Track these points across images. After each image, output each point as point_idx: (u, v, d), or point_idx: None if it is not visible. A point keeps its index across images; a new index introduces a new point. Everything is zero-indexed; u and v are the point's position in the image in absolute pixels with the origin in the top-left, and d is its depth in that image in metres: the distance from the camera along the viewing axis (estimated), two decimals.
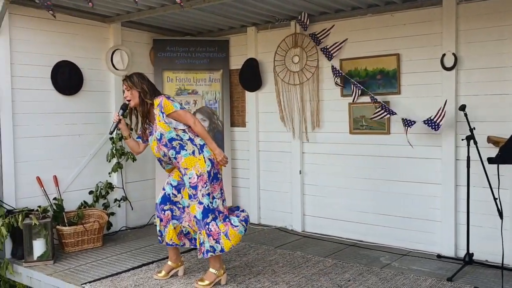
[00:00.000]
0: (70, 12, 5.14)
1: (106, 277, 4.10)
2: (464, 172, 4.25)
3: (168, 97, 3.78)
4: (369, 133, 5.03)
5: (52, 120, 5.07)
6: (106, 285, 3.91)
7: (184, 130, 3.77)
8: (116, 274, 4.17)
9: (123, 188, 5.68)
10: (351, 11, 5.08)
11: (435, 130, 4.47)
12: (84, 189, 5.36)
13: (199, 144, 3.79)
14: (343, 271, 4.18)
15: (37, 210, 4.70)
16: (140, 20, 5.60)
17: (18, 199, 4.75)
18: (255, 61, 5.85)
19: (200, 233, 3.75)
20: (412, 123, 4.57)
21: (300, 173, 5.53)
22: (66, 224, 4.89)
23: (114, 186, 5.59)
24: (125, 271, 4.24)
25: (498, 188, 3.77)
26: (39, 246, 4.50)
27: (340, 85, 5.14)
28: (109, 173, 5.58)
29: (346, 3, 4.89)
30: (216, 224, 3.72)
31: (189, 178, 3.71)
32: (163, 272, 4.06)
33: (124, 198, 5.69)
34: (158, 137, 3.76)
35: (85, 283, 3.95)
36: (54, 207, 4.94)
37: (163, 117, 3.70)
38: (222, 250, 3.72)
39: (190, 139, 3.77)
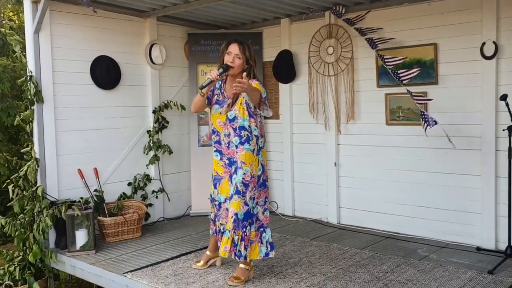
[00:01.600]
0: (108, 8, 5.24)
1: (146, 266, 4.20)
2: (505, 163, 4.16)
3: (260, 83, 3.67)
4: (406, 124, 4.97)
5: (91, 114, 5.20)
6: (146, 274, 4.01)
7: (256, 125, 3.67)
8: (156, 263, 4.27)
9: (160, 180, 5.80)
10: (387, 0, 5.00)
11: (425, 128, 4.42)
12: (123, 181, 5.49)
13: (260, 146, 3.72)
14: (380, 263, 4.16)
15: (79, 201, 4.84)
16: (175, 14, 5.67)
17: (61, 191, 4.91)
18: (288, 52, 5.84)
19: (235, 233, 3.67)
20: (434, 122, 4.38)
21: (335, 165, 5.51)
22: (107, 215, 5.03)
23: (152, 178, 5.71)
24: (164, 261, 4.33)
25: None
26: (81, 236, 4.64)
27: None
28: (146, 165, 5.70)
29: None
30: (250, 229, 3.70)
31: (244, 173, 3.63)
32: (202, 262, 4.13)
33: (161, 190, 5.81)
34: (231, 117, 3.65)
35: (126, 272, 4.06)
36: (95, 198, 5.08)
37: (246, 102, 3.58)
38: (245, 258, 3.68)
39: (257, 137, 3.69)
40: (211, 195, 3.96)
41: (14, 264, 4.64)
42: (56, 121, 4.89)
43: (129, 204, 5.34)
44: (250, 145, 3.64)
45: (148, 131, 5.69)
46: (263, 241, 3.76)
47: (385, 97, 5.07)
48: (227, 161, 3.76)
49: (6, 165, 5.16)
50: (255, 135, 3.67)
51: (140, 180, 5.60)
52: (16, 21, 9.74)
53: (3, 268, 4.63)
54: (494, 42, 4.34)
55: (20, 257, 4.71)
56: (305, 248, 4.64)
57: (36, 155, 4.77)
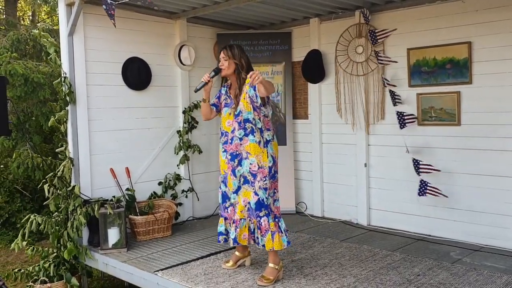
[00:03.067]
0: (139, 10, 5.33)
1: (177, 265, 4.24)
2: None
3: None
4: (438, 125, 4.87)
5: (123, 114, 5.29)
6: (177, 273, 4.06)
7: (260, 118, 3.80)
8: (186, 262, 4.31)
9: (189, 179, 5.86)
10: None
11: (400, 127, 4.91)
12: (154, 180, 5.57)
13: (266, 139, 3.82)
14: (412, 265, 4.10)
15: (111, 200, 4.94)
16: (205, 15, 5.72)
17: (94, 190, 5.01)
18: (318, 52, 5.81)
19: (251, 221, 3.82)
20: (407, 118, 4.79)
21: (366, 166, 5.45)
22: (138, 214, 5.11)
23: (182, 177, 5.77)
24: (194, 260, 4.37)
25: None
26: (113, 235, 4.72)
27: (389, 84, 5.11)
28: (177, 165, 5.76)
29: None
30: (268, 221, 3.75)
31: (250, 163, 3.76)
32: (231, 262, 4.15)
33: (191, 189, 5.87)
34: (236, 113, 3.83)
35: (157, 271, 4.11)
36: (127, 197, 5.17)
37: (252, 95, 3.70)
38: (263, 246, 3.76)
39: (261, 130, 3.81)
40: (222, 194, 4.01)
41: (49, 261, 4.76)
42: (89, 121, 5.00)
43: (160, 203, 5.41)
44: (254, 136, 3.77)
45: (178, 131, 5.76)
46: (282, 230, 3.81)
47: (417, 97, 4.98)
48: (229, 157, 3.88)
49: (41, 165, 5.30)
50: (259, 128, 3.79)
51: (170, 180, 5.67)
52: (50, 23, 10.01)
53: (38, 265, 4.76)
54: None
55: (55, 254, 4.82)
56: (334, 249, 4.61)
57: (70, 155, 4.88)
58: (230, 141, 3.87)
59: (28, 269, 4.76)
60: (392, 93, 5.06)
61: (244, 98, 3.80)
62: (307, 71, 5.92)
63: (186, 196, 5.83)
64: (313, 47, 5.86)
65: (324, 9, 5.50)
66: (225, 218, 4.00)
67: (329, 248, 4.66)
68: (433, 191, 4.78)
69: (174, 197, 5.69)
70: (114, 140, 5.21)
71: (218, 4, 5.09)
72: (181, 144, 5.73)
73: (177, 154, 5.75)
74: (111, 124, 5.19)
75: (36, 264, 4.79)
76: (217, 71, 3.94)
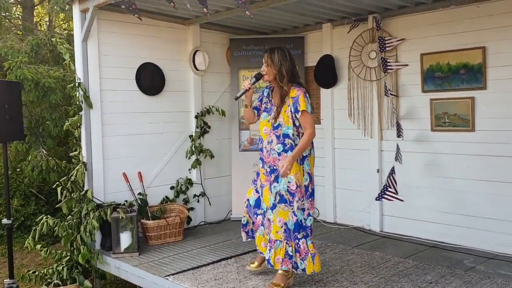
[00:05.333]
0: (152, 16, 5.38)
1: (188, 270, 4.25)
2: None
3: (305, 93, 3.60)
4: (452, 131, 4.82)
5: (136, 119, 5.34)
6: (187, 277, 4.07)
7: (298, 134, 3.63)
8: (197, 267, 4.32)
9: (201, 184, 5.88)
10: (433, 3, 4.88)
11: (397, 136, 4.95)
12: (166, 185, 5.60)
13: (303, 155, 3.64)
14: (424, 273, 4.05)
15: (123, 204, 4.98)
16: (217, 21, 5.74)
17: (106, 194, 5.05)
18: (330, 57, 5.80)
19: (288, 244, 3.63)
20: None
21: (378, 171, 5.41)
22: (150, 218, 5.13)
23: (194, 182, 5.79)
24: (205, 265, 4.38)
25: None
26: (125, 239, 4.75)
27: (392, 94, 5.15)
28: (189, 170, 5.79)
29: None
30: (307, 243, 3.65)
31: (289, 182, 3.57)
32: (256, 263, 4.07)
33: (203, 194, 5.89)
34: (275, 125, 3.64)
35: (168, 275, 4.12)
36: (139, 201, 5.20)
37: (291, 110, 3.57)
38: (303, 270, 3.64)
39: (293, 146, 3.62)
40: (248, 200, 3.96)
41: (62, 264, 4.81)
42: (103, 126, 5.05)
43: (172, 207, 5.44)
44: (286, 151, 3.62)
45: (191, 136, 5.79)
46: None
47: (430, 102, 4.94)
48: (268, 169, 3.75)
49: (55, 167, 5.37)
50: (296, 145, 3.59)
51: (182, 184, 5.70)
52: (67, 29, 10.15)
53: (52, 268, 4.81)
54: None
55: (68, 257, 4.87)
56: (346, 256, 4.57)
57: (84, 159, 4.93)
58: (268, 152, 3.69)
59: (42, 271, 4.81)
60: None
61: (285, 111, 3.60)
62: (320, 76, 5.91)
63: (198, 201, 5.86)
64: (326, 52, 5.85)
65: (336, 14, 5.49)
66: (252, 222, 3.93)
67: (340, 254, 4.63)
68: (389, 195, 4.79)
69: (186, 201, 5.72)
70: (127, 145, 5.26)
71: (230, 10, 5.12)
72: (193, 148, 5.76)
73: (189, 158, 5.78)
74: (124, 129, 5.24)
75: (50, 267, 4.84)
76: (259, 77, 3.72)
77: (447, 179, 4.88)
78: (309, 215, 3.66)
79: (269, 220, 3.72)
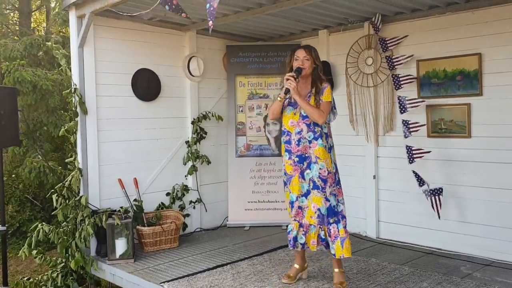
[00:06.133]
0: (148, 22, 5.37)
1: (183, 277, 4.22)
2: None
3: (331, 87, 3.91)
4: (448, 137, 4.82)
5: (132, 125, 5.32)
6: (183, 284, 4.04)
7: (325, 123, 3.82)
8: (192, 274, 4.29)
9: (197, 190, 5.85)
10: (428, 10, 4.90)
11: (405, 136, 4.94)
12: (162, 191, 5.58)
13: (330, 145, 3.84)
14: (420, 279, 4.03)
15: (119, 210, 4.95)
16: (214, 27, 5.71)
17: (102, 200, 5.02)
18: (327, 64, 5.80)
19: (321, 228, 3.79)
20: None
21: (374, 177, 5.40)
22: (146, 225, 5.11)
23: (190, 188, 5.77)
24: (200, 272, 4.35)
25: None
26: (121, 245, 4.72)
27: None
28: (185, 176, 5.77)
29: (423, 2, 4.73)
30: (337, 228, 3.75)
31: (320, 168, 3.73)
32: (292, 276, 4.01)
33: (199, 200, 5.86)
34: (305, 114, 3.77)
35: (164, 282, 4.09)
36: (135, 208, 5.18)
37: (319, 99, 3.76)
38: (334, 255, 3.76)
39: (326, 135, 3.83)
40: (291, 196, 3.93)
41: (57, 271, 4.78)
42: (99, 132, 5.03)
43: (167, 214, 5.41)
44: (322, 141, 3.76)
45: (187, 142, 5.78)
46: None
47: (427, 108, 4.94)
48: (296, 159, 3.80)
49: (51, 173, 5.35)
50: (325, 133, 3.80)
51: (178, 190, 5.67)
52: (65, 34, 10.15)
53: (47, 274, 4.78)
54: None
55: (63, 264, 4.85)
56: (342, 262, 4.54)
57: (79, 165, 4.91)
58: (296, 142, 3.79)
59: (36, 278, 4.78)
60: (401, 101, 5.05)
61: (314, 101, 3.77)
62: None
63: (194, 207, 5.83)
64: (322, 59, 5.78)
65: (332, 20, 5.50)
66: (301, 225, 3.88)
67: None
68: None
69: (182, 208, 5.69)
70: (122, 151, 5.24)
71: (227, 16, 5.12)
72: (190, 154, 5.74)
73: (185, 164, 5.77)
74: (120, 135, 5.22)
75: (45, 274, 4.81)
76: (299, 71, 3.77)
77: (444, 185, 4.87)
78: (339, 201, 3.81)
79: (300, 207, 3.84)
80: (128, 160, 5.28)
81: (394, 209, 5.31)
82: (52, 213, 4.96)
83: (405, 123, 4.99)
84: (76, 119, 4.90)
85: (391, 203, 5.33)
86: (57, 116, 7.15)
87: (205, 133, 5.88)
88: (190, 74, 5.75)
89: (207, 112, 5.89)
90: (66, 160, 5.17)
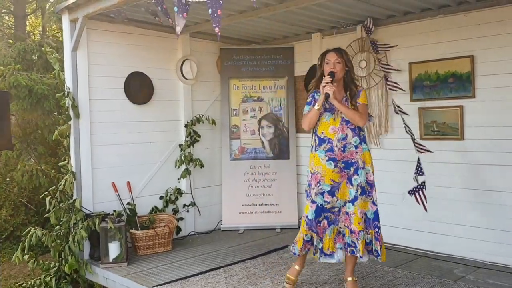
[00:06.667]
0: (141, 25, 5.38)
1: (176, 280, 4.22)
2: None
3: (365, 91, 3.84)
4: (441, 139, 4.82)
5: (125, 128, 5.31)
6: None
7: (365, 127, 3.81)
8: (185, 278, 4.28)
9: (191, 193, 5.84)
10: (421, 13, 4.91)
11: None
12: (155, 195, 5.57)
13: (369, 148, 3.76)
14: (413, 282, 4.03)
15: (112, 214, 4.94)
16: (207, 30, 5.75)
17: (95, 204, 5.02)
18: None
19: (367, 232, 3.69)
20: None
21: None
22: (139, 228, 5.10)
23: (183, 192, 5.76)
24: (193, 275, 4.34)
25: None
26: (114, 249, 4.71)
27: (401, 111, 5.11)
28: (178, 179, 5.76)
29: (415, 5, 4.74)
30: (380, 231, 3.74)
31: (367, 173, 3.68)
32: (294, 279, 3.89)
33: (192, 204, 5.85)
34: (346, 118, 3.64)
35: (156, 286, 4.09)
36: (128, 211, 5.17)
37: (357, 102, 3.67)
38: (378, 257, 3.70)
39: (365, 138, 3.76)
40: (307, 216, 3.72)
41: (50, 275, 4.77)
42: (92, 135, 5.02)
43: (161, 217, 5.40)
44: (367, 144, 3.71)
45: (180, 145, 5.77)
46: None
47: (419, 111, 4.94)
48: (342, 165, 3.66)
49: (44, 177, 5.34)
50: (363, 135, 3.73)
51: (171, 194, 5.66)
52: (60, 38, 10.15)
53: (40, 278, 4.76)
54: None
55: (56, 267, 4.83)
56: (335, 265, 4.53)
57: (73, 169, 4.90)
58: (341, 148, 3.62)
59: (29, 282, 4.76)
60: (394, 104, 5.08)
61: (353, 105, 3.67)
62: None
63: (188, 211, 5.82)
64: (315, 62, 5.81)
65: (326, 24, 5.51)
66: (317, 233, 3.69)
67: (329, 264, 4.59)
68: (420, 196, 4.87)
69: (175, 211, 5.68)
70: (116, 154, 5.23)
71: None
72: (183, 158, 5.73)
73: (179, 168, 5.75)
74: (113, 138, 5.21)
75: (38, 278, 4.79)
76: (333, 75, 3.63)
77: (437, 187, 4.87)
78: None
79: (347, 213, 3.69)
80: (121, 164, 5.27)
81: (387, 212, 5.28)
82: (45, 216, 4.94)
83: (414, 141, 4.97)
84: (69, 122, 4.89)
85: (384, 205, 5.29)
86: (54, 120, 7.14)
87: (199, 136, 5.87)
88: (183, 77, 5.75)
89: (201, 115, 5.89)
90: (60, 164, 5.15)
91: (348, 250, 3.70)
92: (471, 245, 4.64)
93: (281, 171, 6.13)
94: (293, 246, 3.81)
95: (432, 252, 4.88)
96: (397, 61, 5.13)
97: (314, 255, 3.78)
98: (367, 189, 3.68)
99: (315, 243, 3.72)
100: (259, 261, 4.73)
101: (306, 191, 3.81)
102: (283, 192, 6.11)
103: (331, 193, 3.66)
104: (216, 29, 3.38)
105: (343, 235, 3.73)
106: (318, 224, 3.70)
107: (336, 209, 3.72)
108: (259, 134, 6.19)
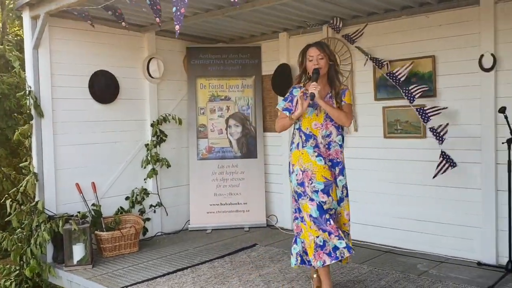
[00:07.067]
0: (107, 23, 5.28)
1: (142, 281, 4.17)
2: (505, 177, 4.10)
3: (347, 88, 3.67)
4: (404, 137, 4.93)
5: (90, 128, 5.21)
6: None
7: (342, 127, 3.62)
8: (152, 279, 4.24)
9: (158, 194, 5.78)
10: (384, 13, 5.00)
11: (424, 122, 4.59)
12: (121, 195, 5.48)
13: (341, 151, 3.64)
14: (378, 278, 4.10)
15: (76, 215, 4.84)
16: (174, 28, 5.67)
17: (59, 205, 4.90)
18: (287, 66, 5.84)
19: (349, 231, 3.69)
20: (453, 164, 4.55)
21: None
22: (104, 230, 5.01)
23: (149, 192, 5.69)
24: (160, 276, 4.30)
25: None
26: (78, 251, 4.63)
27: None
28: (144, 179, 5.68)
29: (379, 6, 4.83)
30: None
31: (344, 176, 3.61)
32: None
33: (159, 204, 5.79)
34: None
35: (123, 287, 4.04)
36: (93, 212, 5.07)
37: (340, 100, 3.53)
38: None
39: (343, 137, 3.65)
40: (310, 215, 3.43)
41: (11, 279, 4.63)
42: (55, 135, 4.91)
43: (127, 218, 5.32)
44: (344, 144, 3.65)
45: (146, 145, 5.70)
46: None
47: (383, 110, 5.04)
48: (329, 164, 3.51)
49: (5, 179, 5.18)
50: (343, 136, 3.64)
51: (137, 194, 5.58)
52: (18, 35, 9.85)
53: None
54: (492, 54, 4.31)
55: (17, 271, 4.69)
56: None
57: (35, 170, 4.77)
58: (326, 146, 3.50)
59: None
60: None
61: (337, 102, 3.53)
62: (277, 85, 5.94)
63: (154, 211, 5.75)
64: (282, 61, 5.89)
65: (292, 23, 5.54)
66: (329, 233, 3.37)
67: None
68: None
69: (142, 212, 5.61)
70: (80, 155, 5.12)
71: (186, 17, 5.08)
72: (149, 158, 5.66)
73: (145, 168, 5.68)
74: (77, 138, 5.11)
75: None
76: (317, 72, 3.45)
77: (401, 184, 4.98)
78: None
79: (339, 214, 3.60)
80: (85, 164, 5.17)
81: (353, 209, 5.34)
82: (6, 219, 4.80)
83: (421, 110, 4.66)
84: (30, 122, 4.76)
85: (350, 203, 5.36)
86: (15, 121, 6.93)
87: (165, 135, 5.81)
88: (150, 75, 5.68)
89: (167, 115, 5.83)
90: (21, 165, 5.01)
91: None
92: (433, 240, 4.76)
93: (249, 170, 6.14)
94: (299, 257, 3.56)
95: (397, 248, 4.98)
96: (362, 61, 5.21)
97: (341, 259, 3.42)
98: (347, 191, 3.67)
99: (336, 244, 3.35)
100: (226, 260, 4.72)
101: (296, 192, 3.53)
102: (251, 191, 6.12)
103: (326, 192, 3.43)
104: (177, 27, 3.39)
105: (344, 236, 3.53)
106: (328, 222, 3.38)
107: (333, 211, 3.48)
108: (226, 133, 6.18)
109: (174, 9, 3.30)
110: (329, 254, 3.36)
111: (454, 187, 4.62)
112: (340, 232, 3.40)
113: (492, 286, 3.79)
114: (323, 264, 3.39)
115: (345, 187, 3.62)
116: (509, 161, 3.97)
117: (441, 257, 4.63)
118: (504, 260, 4.18)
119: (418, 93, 4.68)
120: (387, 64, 4.95)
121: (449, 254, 4.65)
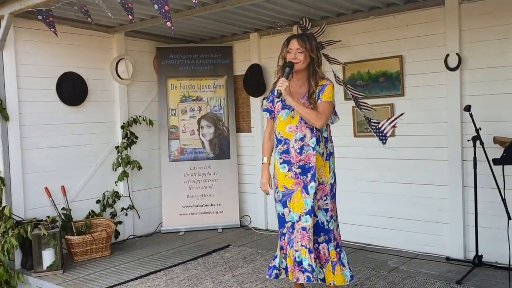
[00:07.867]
0: (74, 24, 5.19)
1: (114, 285, 4.13)
2: (471, 173, 4.21)
3: (333, 86, 3.26)
4: (373, 136, 4.98)
5: (58, 131, 5.12)
6: None
7: (327, 126, 3.28)
8: (124, 282, 4.20)
9: (129, 196, 5.72)
10: (353, 14, 5.07)
11: (383, 143, 4.57)
12: (92, 199, 5.40)
13: (329, 151, 3.28)
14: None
15: (45, 220, 4.74)
16: (143, 29, 5.64)
17: (27, 210, 4.80)
18: (258, 66, 5.86)
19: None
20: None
21: None
22: (75, 234, 4.93)
23: (121, 195, 5.63)
24: (133, 279, 4.26)
25: (504, 189, 3.72)
26: (48, 256, 4.54)
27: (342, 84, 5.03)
28: (115, 182, 5.61)
29: (347, 7, 4.89)
30: (328, 248, 3.27)
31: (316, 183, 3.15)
32: None
33: (131, 207, 5.73)
34: None
35: None
36: (63, 217, 4.98)
37: (318, 97, 3.18)
38: (322, 280, 3.25)
39: (326, 139, 3.25)
40: (279, 216, 3.29)
41: None
42: (22, 139, 4.80)
43: (98, 222, 5.25)
44: (319, 147, 3.19)
45: (117, 147, 5.63)
46: (343, 262, 3.27)
47: (352, 109, 5.11)
48: (298, 170, 3.16)
49: None
50: (324, 137, 3.23)
51: (108, 197, 5.51)
52: None
53: None
54: (457, 54, 4.42)
55: None
56: None
57: (1, 174, 4.65)
58: (298, 150, 3.14)
59: None
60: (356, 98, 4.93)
61: (312, 102, 3.18)
62: (248, 85, 5.95)
63: (126, 214, 5.69)
64: (254, 62, 5.91)
65: (262, 24, 5.56)
66: (281, 248, 3.27)
67: (270, 261, 4.64)
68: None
69: (113, 215, 5.53)
70: (48, 158, 5.02)
71: (155, 18, 5.05)
72: (120, 160, 5.59)
73: (116, 170, 5.61)
74: (46, 141, 5.01)
75: None
76: (291, 66, 3.17)
77: (370, 182, 5.06)
78: (331, 217, 3.24)
79: (302, 229, 3.13)
80: (54, 167, 5.07)
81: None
82: None
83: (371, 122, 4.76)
84: None
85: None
86: None
87: (136, 137, 5.75)
88: (119, 77, 5.61)
89: (138, 116, 5.77)
90: None
91: (304, 275, 3.10)
92: (404, 237, 4.86)
93: (222, 171, 6.13)
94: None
95: (369, 245, 5.06)
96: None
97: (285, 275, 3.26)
98: (330, 205, 3.27)
99: (278, 263, 3.27)
100: (200, 262, 4.71)
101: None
102: (224, 192, 6.11)
103: (283, 202, 3.21)
104: (168, 24, 3.39)
105: (300, 262, 3.13)
106: (283, 237, 3.25)
107: (289, 224, 3.19)
108: (198, 134, 6.15)
109: (156, 7, 3.32)
110: (271, 268, 3.33)
111: (423, 184, 4.72)
112: (292, 252, 3.16)
113: (459, 280, 3.89)
114: (276, 276, 3.29)
115: (327, 195, 3.23)
116: (474, 158, 4.07)
117: (412, 253, 4.72)
118: (471, 255, 4.30)
119: (360, 104, 4.76)
120: (343, 66, 5.07)
121: (419, 250, 4.74)
